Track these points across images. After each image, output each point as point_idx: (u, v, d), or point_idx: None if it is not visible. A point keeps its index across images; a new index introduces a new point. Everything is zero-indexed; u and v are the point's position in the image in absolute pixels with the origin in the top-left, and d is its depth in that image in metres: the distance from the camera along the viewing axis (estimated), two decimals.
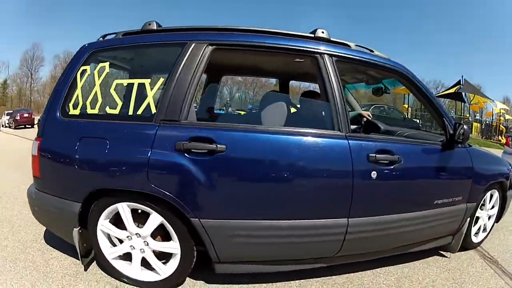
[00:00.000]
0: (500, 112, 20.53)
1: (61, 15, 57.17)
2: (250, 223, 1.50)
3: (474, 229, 2.25)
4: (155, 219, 1.52)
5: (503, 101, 33.66)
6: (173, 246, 1.56)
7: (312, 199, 1.56)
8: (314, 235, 1.58)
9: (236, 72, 3.15)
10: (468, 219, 2.08)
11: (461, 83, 18.90)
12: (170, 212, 1.49)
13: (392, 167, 1.66)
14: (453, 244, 2.11)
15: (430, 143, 1.89)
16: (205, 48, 1.55)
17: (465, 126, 1.84)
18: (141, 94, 1.56)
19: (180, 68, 1.52)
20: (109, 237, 1.65)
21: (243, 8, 67.94)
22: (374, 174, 1.60)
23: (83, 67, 1.67)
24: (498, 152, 5.28)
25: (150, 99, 1.53)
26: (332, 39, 1.74)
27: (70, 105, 1.64)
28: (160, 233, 1.58)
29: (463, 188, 1.98)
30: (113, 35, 1.76)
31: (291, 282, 1.76)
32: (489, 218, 2.38)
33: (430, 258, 2.15)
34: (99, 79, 1.64)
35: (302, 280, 1.78)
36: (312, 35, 1.70)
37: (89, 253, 1.73)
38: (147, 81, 1.57)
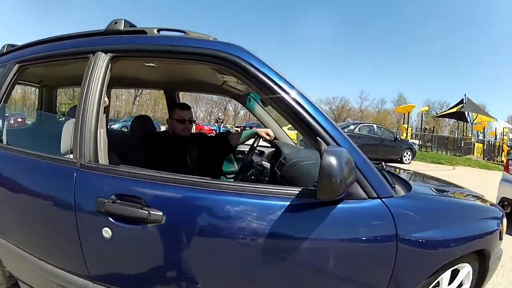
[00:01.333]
0: (503, 131, 19.25)
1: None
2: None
3: None
4: None
5: (507, 120, 32.62)
6: None
7: (46, 241, 1.25)
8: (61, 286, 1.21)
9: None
10: None
11: (464, 102, 17.75)
12: None
13: (138, 227, 1.00)
14: None
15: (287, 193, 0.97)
16: (13, 67, 1.51)
17: (330, 159, 0.84)
18: None
19: None
20: None
21: None
22: (107, 232, 1.04)
23: None
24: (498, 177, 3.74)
25: None
26: (129, 29, 1.25)
27: None
28: None
29: (368, 274, 1.00)
30: None
31: None
32: None
33: None
34: None
35: None
36: (102, 30, 1.29)
37: None
38: None
